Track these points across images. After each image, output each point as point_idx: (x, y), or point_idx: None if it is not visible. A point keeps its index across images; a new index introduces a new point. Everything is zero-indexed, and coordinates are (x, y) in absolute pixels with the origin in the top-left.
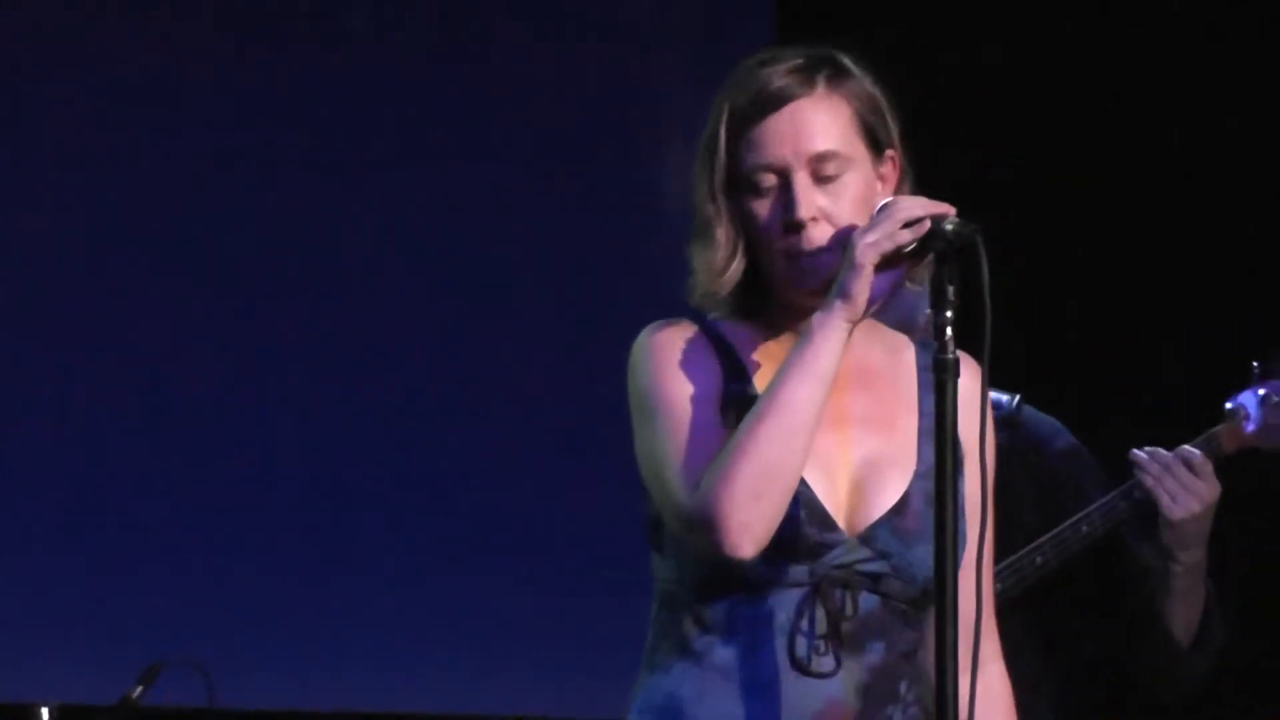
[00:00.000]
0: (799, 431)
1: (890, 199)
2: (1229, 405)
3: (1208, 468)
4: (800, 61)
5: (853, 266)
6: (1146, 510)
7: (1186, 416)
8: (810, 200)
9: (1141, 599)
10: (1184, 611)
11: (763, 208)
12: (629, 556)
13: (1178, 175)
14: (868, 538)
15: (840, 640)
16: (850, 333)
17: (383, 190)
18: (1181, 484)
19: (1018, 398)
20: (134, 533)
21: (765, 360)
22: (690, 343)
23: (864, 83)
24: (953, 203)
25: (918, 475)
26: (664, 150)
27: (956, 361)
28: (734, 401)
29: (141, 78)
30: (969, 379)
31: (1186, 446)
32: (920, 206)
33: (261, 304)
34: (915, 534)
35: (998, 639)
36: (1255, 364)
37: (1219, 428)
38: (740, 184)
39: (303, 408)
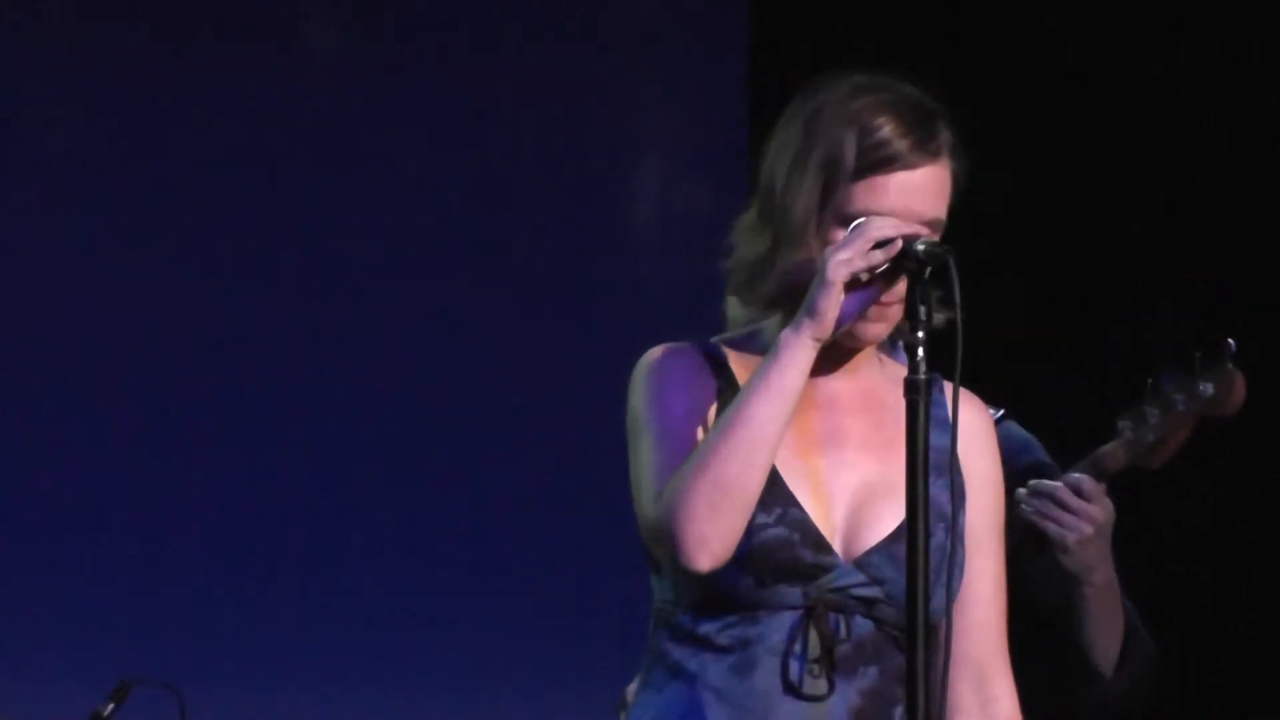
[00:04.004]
0: (758, 446)
1: (863, 219)
2: (1120, 424)
3: (1098, 490)
4: (929, 118)
5: (822, 284)
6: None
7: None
8: None
9: (1059, 629)
10: (1101, 636)
11: None
12: (630, 571)
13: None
14: (863, 563)
15: (834, 664)
16: (817, 350)
17: (380, 193)
18: (1068, 510)
19: (1001, 412)
20: (106, 549)
21: None
22: (690, 366)
23: (962, 158)
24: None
25: None
26: (640, 157)
27: (928, 382)
28: None
29: (138, 75)
30: (976, 414)
31: (1074, 473)
32: (892, 227)
33: (250, 322)
34: None
35: (1012, 679)
36: (1149, 380)
37: (1104, 448)
38: (843, 219)
39: (277, 428)
